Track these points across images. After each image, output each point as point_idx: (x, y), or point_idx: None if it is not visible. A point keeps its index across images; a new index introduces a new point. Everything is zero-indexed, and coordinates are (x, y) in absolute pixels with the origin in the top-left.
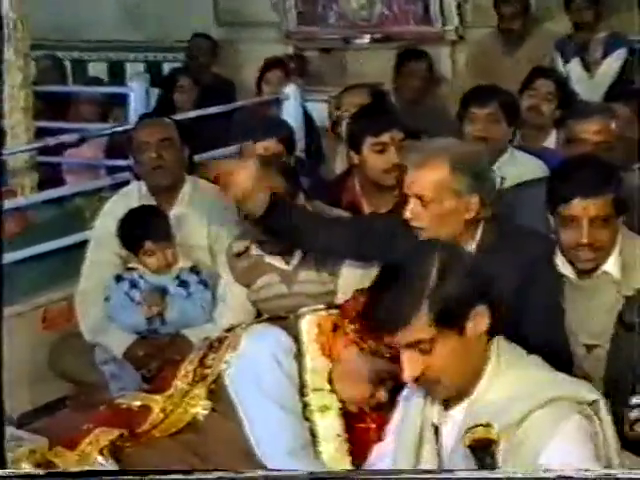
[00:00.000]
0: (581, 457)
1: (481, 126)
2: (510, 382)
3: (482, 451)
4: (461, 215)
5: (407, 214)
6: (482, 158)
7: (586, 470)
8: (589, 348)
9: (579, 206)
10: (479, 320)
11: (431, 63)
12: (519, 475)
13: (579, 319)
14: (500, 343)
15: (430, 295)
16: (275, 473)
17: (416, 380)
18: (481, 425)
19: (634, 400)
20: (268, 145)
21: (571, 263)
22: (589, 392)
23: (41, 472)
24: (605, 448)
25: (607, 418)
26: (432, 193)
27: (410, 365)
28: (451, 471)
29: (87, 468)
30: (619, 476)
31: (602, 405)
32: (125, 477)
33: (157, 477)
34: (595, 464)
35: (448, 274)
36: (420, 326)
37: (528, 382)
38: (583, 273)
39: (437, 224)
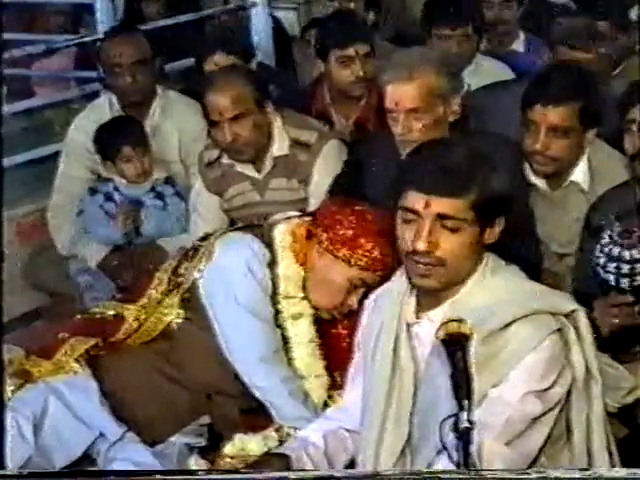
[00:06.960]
0: (545, 376)
1: (452, 45)
2: (493, 289)
3: (454, 345)
4: (447, 118)
5: (399, 129)
6: (451, 56)
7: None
8: (560, 257)
9: (539, 112)
10: (496, 229)
11: None
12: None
13: (550, 229)
14: (489, 254)
15: (482, 182)
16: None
17: (422, 254)
18: (454, 320)
19: None
20: (217, 59)
21: (534, 171)
22: (568, 302)
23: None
24: (583, 353)
25: (585, 328)
26: (424, 103)
27: (427, 236)
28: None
29: (62, 376)
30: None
31: (581, 315)
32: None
33: (144, 478)
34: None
35: (501, 170)
36: (464, 204)
37: (510, 290)
38: (552, 183)
39: (430, 133)
